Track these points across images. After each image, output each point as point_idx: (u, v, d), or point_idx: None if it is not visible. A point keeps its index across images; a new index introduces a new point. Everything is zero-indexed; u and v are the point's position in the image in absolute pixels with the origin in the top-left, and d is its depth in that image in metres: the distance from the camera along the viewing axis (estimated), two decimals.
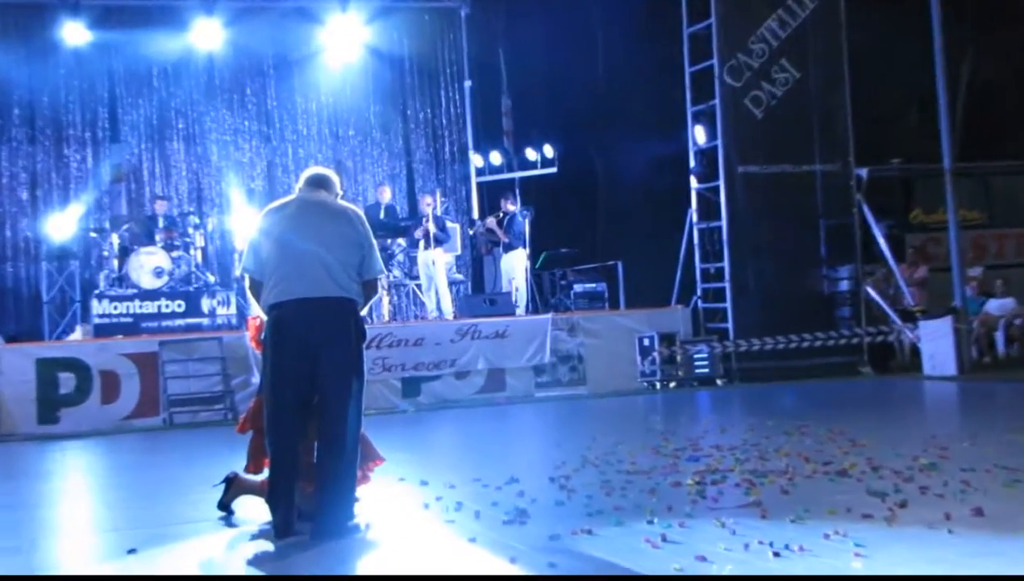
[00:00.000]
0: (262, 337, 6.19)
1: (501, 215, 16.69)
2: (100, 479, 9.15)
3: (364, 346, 6.25)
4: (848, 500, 6.08)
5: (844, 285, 16.33)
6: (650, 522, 5.77)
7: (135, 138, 18.38)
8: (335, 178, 6.52)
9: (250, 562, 5.50)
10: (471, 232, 18.38)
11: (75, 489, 8.88)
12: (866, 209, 16.34)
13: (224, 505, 6.68)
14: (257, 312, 6.38)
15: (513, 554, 5.21)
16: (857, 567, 4.66)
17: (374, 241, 6.30)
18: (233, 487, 6.71)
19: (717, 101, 16.16)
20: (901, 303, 16.58)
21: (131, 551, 5.74)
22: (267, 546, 5.83)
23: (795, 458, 7.70)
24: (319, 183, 6.38)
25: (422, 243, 15.99)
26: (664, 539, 5.35)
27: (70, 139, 18.08)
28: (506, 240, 16.49)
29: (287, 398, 5.97)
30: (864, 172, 17.29)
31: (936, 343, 14.73)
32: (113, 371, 13.37)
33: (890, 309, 16.17)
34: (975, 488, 6.25)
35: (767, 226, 16.02)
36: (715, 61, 16.16)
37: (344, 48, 18.95)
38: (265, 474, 6.27)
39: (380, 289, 6.52)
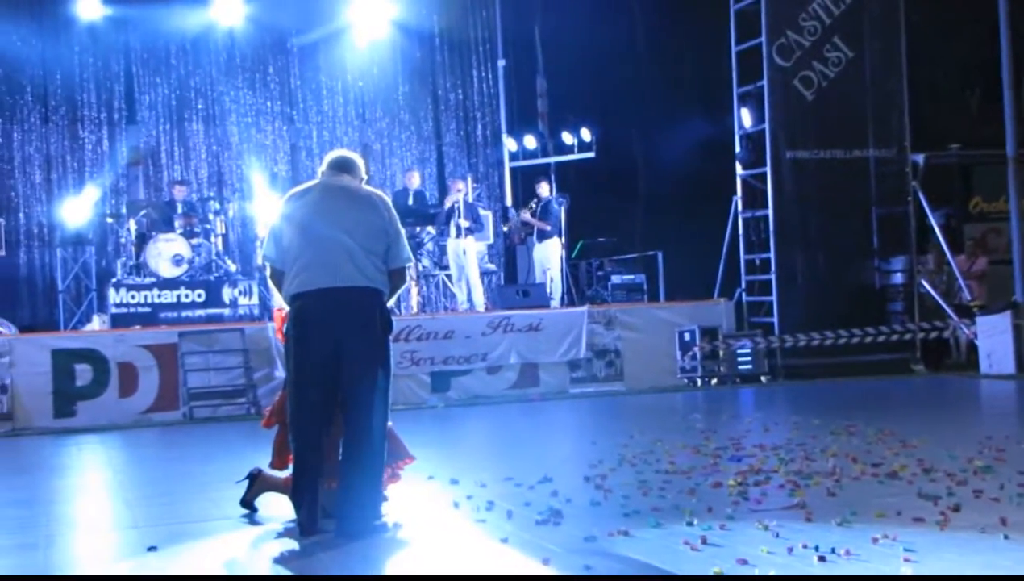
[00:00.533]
0: (286, 328, 6.27)
1: (534, 205, 16.73)
2: (118, 475, 9.28)
3: (391, 338, 6.30)
4: (898, 503, 6.13)
5: (897, 278, 16.27)
6: (689, 524, 5.84)
7: (152, 119, 18.54)
8: (360, 162, 6.59)
9: (274, 561, 5.60)
10: (505, 228, 18.37)
11: (93, 485, 9.03)
12: (922, 197, 16.28)
13: (247, 502, 6.79)
14: (280, 303, 6.49)
15: (546, 555, 5.28)
16: (906, 573, 4.70)
17: (401, 228, 6.36)
18: (256, 484, 6.82)
19: (765, 82, 16.09)
20: (956, 296, 16.53)
21: (151, 549, 5.86)
22: (291, 545, 5.93)
23: (842, 459, 7.74)
24: (343, 167, 6.45)
25: (453, 231, 16.06)
26: (704, 541, 5.41)
27: (85, 120, 18.26)
28: (548, 228, 16.55)
29: (311, 392, 6.05)
30: (921, 158, 17.26)
31: (994, 340, 14.67)
32: (131, 363, 13.50)
33: (945, 303, 16.11)
34: None
35: (816, 215, 16.00)
36: (763, 39, 16.08)
37: (371, 25, 19.04)
38: (290, 471, 6.37)
39: (408, 278, 6.57)
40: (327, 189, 6.33)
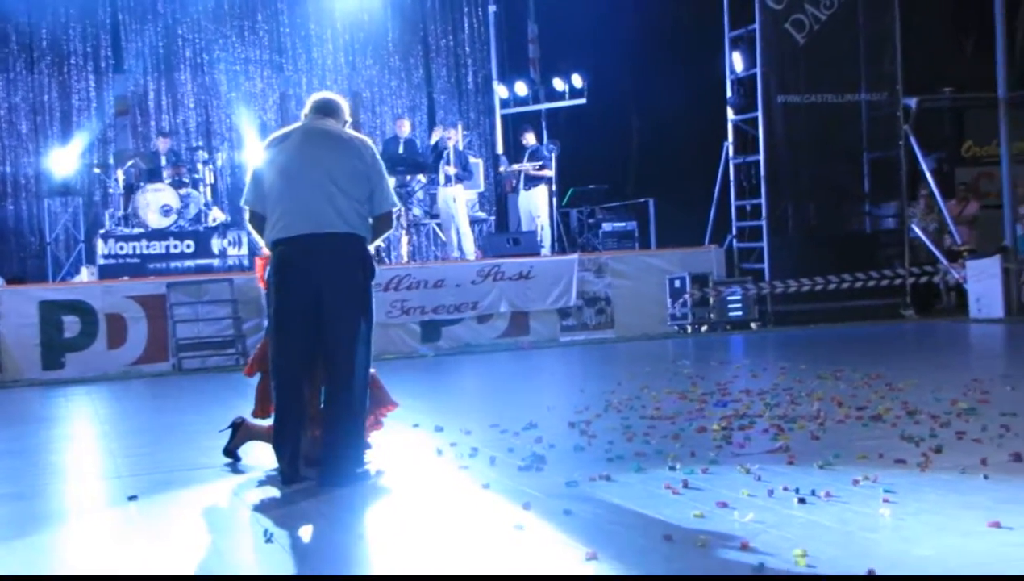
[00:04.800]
0: (267, 275, 6.23)
1: (529, 156, 16.62)
2: (105, 425, 9.28)
3: (373, 285, 6.23)
4: (880, 445, 6.15)
5: (888, 223, 16.27)
6: (672, 468, 5.84)
7: (140, 68, 18.41)
8: (344, 104, 6.49)
9: (255, 509, 5.59)
10: (509, 189, 17.99)
11: (79, 435, 9.03)
12: (914, 142, 16.20)
13: (230, 451, 6.79)
14: (263, 248, 6.45)
15: (527, 500, 5.28)
16: (885, 514, 4.71)
17: (384, 172, 6.27)
18: (240, 433, 6.81)
19: (757, 26, 15.96)
20: (945, 241, 16.50)
21: (132, 498, 5.86)
22: (273, 492, 5.94)
23: (828, 403, 7.76)
24: (326, 110, 6.36)
25: (442, 179, 16.01)
26: (685, 485, 5.42)
27: (71, 68, 18.12)
28: (549, 174, 16.48)
29: (292, 340, 6.01)
30: (913, 102, 17.14)
31: (983, 284, 14.69)
32: (119, 314, 13.49)
33: (936, 248, 16.09)
34: (1015, 433, 6.30)
35: (807, 160, 15.95)
36: None
37: None
38: (272, 419, 6.36)
39: (393, 224, 6.51)
40: (309, 133, 6.25)
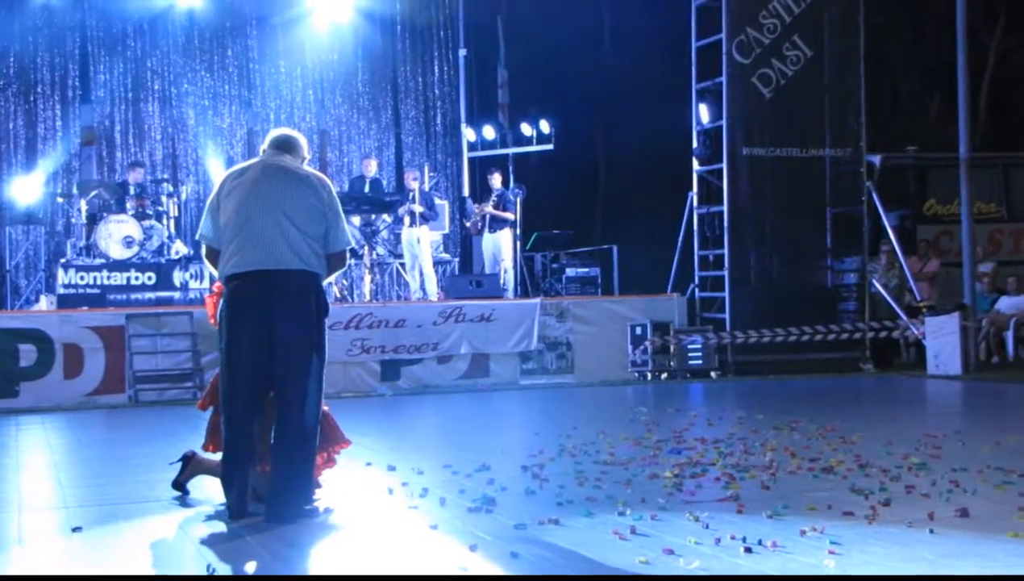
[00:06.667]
0: (219, 310, 6.20)
1: (495, 199, 16.68)
2: (56, 456, 9.18)
3: (327, 322, 6.22)
4: (830, 497, 6.16)
5: (849, 277, 16.38)
6: (621, 514, 5.84)
7: (107, 99, 18.30)
8: (303, 141, 6.50)
9: (201, 543, 5.54)
10: (468, 224, 18.08)
11: (29, 465, 8.90)
12: (876, 198, 16.35)
13: (179, 484, 6.74)
14: (214, 286, 6.44)
15: (474, 542, 5.26)
16: (830, 565, 4.72)
17: (340, 210, 6.27)
18: (190, 466, 6.77)
19: (724, 79, 16.11)
20: (905, 297, 16.64)
21: (76, 529, 5.80)
22: (219, 527, 5.89)
23: (781, 453, 7.78)
24: (284, 146, 6.36)
25: (407, 220, 16.02)
26: (633, 531, 5.42)
27: (38, 97, 17.99)
28: (512, 217, 16.52)
29: (243, 375, 5.99)
30: (877, 159, 17.33)
31: (941, 341, 14.79)
32: (77, 344, 13.38)
33: (896, 304, 16.21)
34: (963, 488, 6.33)
35: (771, 213, 16.06)
36: (723, 36, 16.08)
37: (333, 9, 18.96)
38: None
39: (347, 262, 6.50)
40: (266, 169, 6.23)
